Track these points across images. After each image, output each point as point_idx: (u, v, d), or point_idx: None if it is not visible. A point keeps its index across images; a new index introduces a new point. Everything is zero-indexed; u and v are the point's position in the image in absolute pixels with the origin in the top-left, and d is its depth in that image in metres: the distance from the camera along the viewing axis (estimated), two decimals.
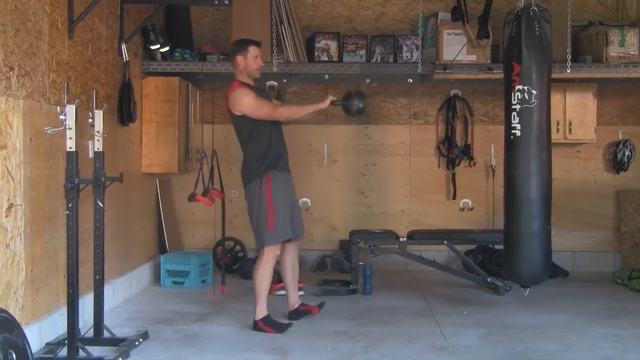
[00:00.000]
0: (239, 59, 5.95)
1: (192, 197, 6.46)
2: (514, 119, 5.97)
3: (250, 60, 5.94)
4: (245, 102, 5.83)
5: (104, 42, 6.48)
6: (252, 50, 5.95)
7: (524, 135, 5.94)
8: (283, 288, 7.19)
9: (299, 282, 7.17)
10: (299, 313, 6.10)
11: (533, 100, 5.90)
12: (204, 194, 6.45)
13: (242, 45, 6.00)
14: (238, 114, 5.84)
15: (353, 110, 6.18)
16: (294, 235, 6.01)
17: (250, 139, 5.85)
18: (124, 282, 6.94)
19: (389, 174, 8.83)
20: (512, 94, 5.97)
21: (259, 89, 6.08)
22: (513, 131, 5.98)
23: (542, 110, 5.95)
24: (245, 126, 5.87)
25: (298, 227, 6.07)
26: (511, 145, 6.04)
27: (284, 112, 5.93)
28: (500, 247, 6.60)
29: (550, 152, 6.07)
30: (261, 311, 5.89)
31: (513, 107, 5.97)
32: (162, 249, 8.11)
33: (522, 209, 6.00)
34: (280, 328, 5.81)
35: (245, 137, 5.89)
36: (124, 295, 6.91)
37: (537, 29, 5.90)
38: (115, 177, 5.42)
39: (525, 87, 5.90)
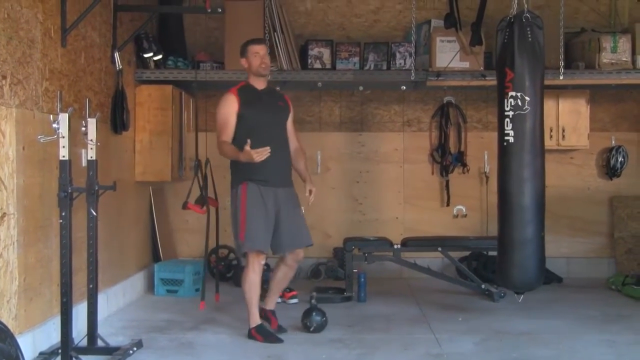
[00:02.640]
0: (242, 61, 5.91)
1: (185, 206, 6.49)
2: (507, 126, 5.97)
3: (251, 59, 5.85)
4: (218, 112, 5.80)
5: (97, 50, 6.47)
6: (251, 49, 5.86)
7: (517, 142, 5.95)
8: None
9: (292, 290, 7.17)
10: (265, 316, 6.02)
11: (526, 106, 5.90)
12: (198, 202, 6.46)
13: (242, 47, 5.92)
14: None
15: (314, 327, 6.02)
16: (267, 249, 5.81)
17: (236, 140, 5.72)
18: (118, 290, 6.91)
19: (382, 181, 8.83)
20: (505, 100, 5.97)
21: (261, 92, 5.89)
22: (506, 138, 5.98)
23: (535, 116, 5.96)
24: (237, 126, 5.78)
25: (284, 241, 5.83)
26: (504, 151, 6.04)
27: (222, 147, 5.70)
28: (494, 253, 6.61)
29: (544, 159, 6.08)
30: (253, 320, 5.85)
31: (506, 113, 5.97)
32: (156, 258, 8.09)
33: (515, 216, 6.00)
34: (269, 338, 5.75)
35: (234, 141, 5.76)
36: (118, 304, 6.89)
37: (529, 35, 5.92)
38: (109, 185, 5.40)
39: (519, 94, 5.91)
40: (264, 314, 6.01)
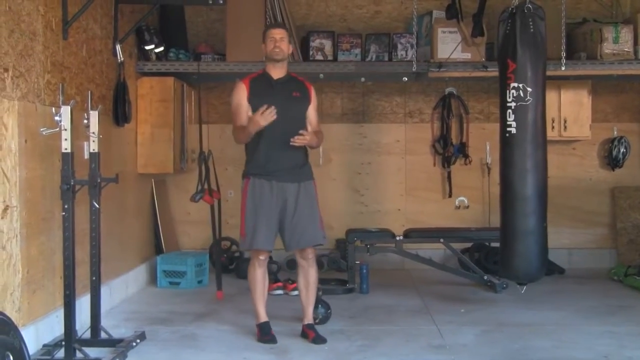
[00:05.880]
0: (262, 47, 5.66)
1: (200, 197, 6.40)
2: (509, 117, 5.97)
3: (266, 43, 5.57)
4: (231, 102, 5.68)
5: (99, 42, 6.47)
6: (268, 33, 5.58)
7: (519, 133, 5.94)
8: (280, 288, 7.21)
9: (293, 282, 7.12)
10: (302, 331, 5.75)
11: (528, 97, 5.90)
12: (201, 194, 6.44)
13: (263, 32, 5.67)
14: None
15: (319, 319, 5.96)
16: (267, 247, 5.57)
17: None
18: (121, 282, 6.93)
19: (384, 172, 8.83)
20: (507, 91, 5.97)
21: (275, 82, 5.60)
22: (508, 129, 5.98)
23: (537, 107, 5.96)
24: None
25: (290, 239, 5.58)
26: (506, 142, 6.04)
27: (236, 132, 5.58)
28: (496, 245, 6.62)
29: (546, 150, 6.08)
30: (256, 317, 5.71)
31: (508, 104, 5.97)
32: (158, 250, 8.09)
33: (517, 207, 6.00)
34: (263, 337, 5.59)
35: None
36: (121, 296, 6.90)
37: (531, 26, 5.91)
38: (111, 177, 5.40)
39: (521, 85, 5.91)
40: (302, 329, 5.72)
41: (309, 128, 5.60)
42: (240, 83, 5.63)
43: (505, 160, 6.09)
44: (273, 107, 5.29)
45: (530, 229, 5.99)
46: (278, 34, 5.58)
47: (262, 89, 5.58)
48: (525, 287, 6.32)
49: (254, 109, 5.48)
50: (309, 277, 5.72)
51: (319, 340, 5.56)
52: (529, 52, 5.92)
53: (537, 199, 5.99)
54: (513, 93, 5.94)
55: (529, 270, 6.08)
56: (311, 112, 5.72)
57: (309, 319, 5.74)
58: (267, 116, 5.29)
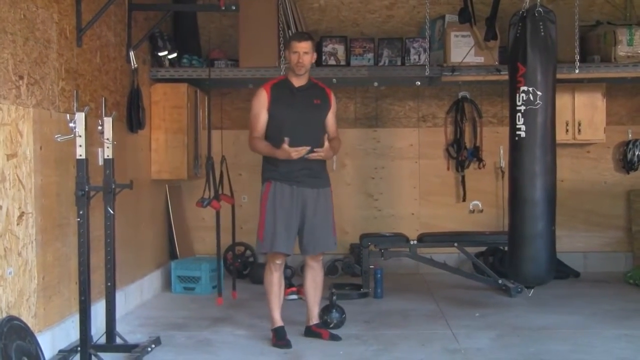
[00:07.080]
0: (286, 54, 5.78)
1: (207, 203, 6.41)
2: (518, 120, 5.97)
3: (289, 55, 5.65)
4: (251, 107, 5.71)
5: (112, 49, 6.50)
6: (291, 45, 5.64)
7: (528, 137, 5.94)
8: (294, 292, 7.21)
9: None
10: (310, 332, 5.85)
11: (538, 101, 5.89)
12: (209, 199, 6.44)
13: (287, 40, 5.72)
14: None
15: (334, 323, 6.03)
16: (287, 250, 5.64)
17: (268, 138, 5.61)
18: (136, 288, 6.95)
19: (398, 177, 8.83)
20: (517, 95, 5.97)
21: (297, 89, 5.69)
22: (518, 132, 5.98)
23: (546, 111, 5.95)
24: (268, 124, 5.67)
25: (305, 244, 5.70)
26: (516, 146, 6.04)
27: (253, 143, 5.65)
28: None
29: (555, 154, 6.08)
30: (271, 321, 5.74)
31: (518, 108, 5.97)
32: (173, 255, 8.12)
33: (526, 210, 6.00)
34: (278, 342, 5.60)
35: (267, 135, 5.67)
36: (136, 301, 6.93)
37: (542, 30, 5.90)
38: (125, 184, 5.43)
39: (530, 88, 5.90)
40: (312, 330, 5.84)
41: (326, 142, 5.60)
42: (262, 89, 5.70)
43: (515, 164, 6.09)
44: (309, 148, 5.42)
45: (539, 232, 5.98)
46: (303, 48, 5.62)
47: (283, 96, 5.65)
48: (532, 290, 6.31)
49: (275, 116, 5.61)
50: (318, 278, 5.86)
51: (335, 337, 5.73)
52: (539, 55, 5.91)
53: (546, 203, 5.98)
54: (523, 96, 5.93)
55: (537, 273, 6.08)
56: (330, 119, 5.82)
57: (316, 319, 5.87)
58: (300, 152, 5.41)
